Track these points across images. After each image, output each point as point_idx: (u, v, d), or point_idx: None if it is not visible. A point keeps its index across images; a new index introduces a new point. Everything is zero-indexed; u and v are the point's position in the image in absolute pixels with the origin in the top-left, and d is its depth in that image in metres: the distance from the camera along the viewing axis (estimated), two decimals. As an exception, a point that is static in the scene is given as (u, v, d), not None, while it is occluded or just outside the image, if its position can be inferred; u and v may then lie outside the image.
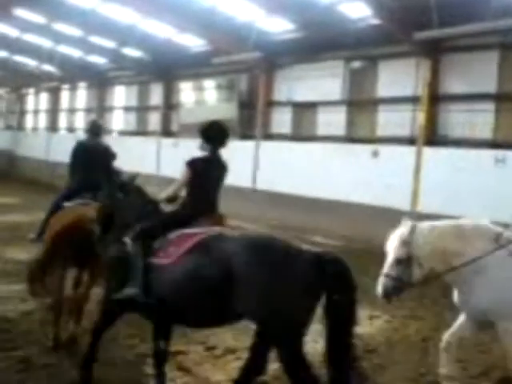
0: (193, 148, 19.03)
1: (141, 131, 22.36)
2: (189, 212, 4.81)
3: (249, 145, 16.74)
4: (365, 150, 13.73)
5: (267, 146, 16.36)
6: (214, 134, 5.23)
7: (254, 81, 17.19)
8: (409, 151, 12.80)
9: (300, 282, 3.96)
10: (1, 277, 8.44)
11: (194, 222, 4.67)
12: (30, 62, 25.90)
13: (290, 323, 4.04)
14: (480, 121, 12.14)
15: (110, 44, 19.63)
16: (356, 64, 14.72)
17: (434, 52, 12.70)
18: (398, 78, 13.57)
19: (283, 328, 4.03)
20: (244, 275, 3.91)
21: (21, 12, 18.04)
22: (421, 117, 12.77)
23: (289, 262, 4.00)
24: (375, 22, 12.54)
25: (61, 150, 25.43)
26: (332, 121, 15.04)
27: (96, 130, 6.76)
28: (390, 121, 13.70)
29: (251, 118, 16.96)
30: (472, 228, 4.94)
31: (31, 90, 32.19)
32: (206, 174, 5.04)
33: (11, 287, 7.90)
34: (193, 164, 4.97)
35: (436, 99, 12.82)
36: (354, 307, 4.21)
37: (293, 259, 4.03)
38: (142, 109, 22.82)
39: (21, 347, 5.59)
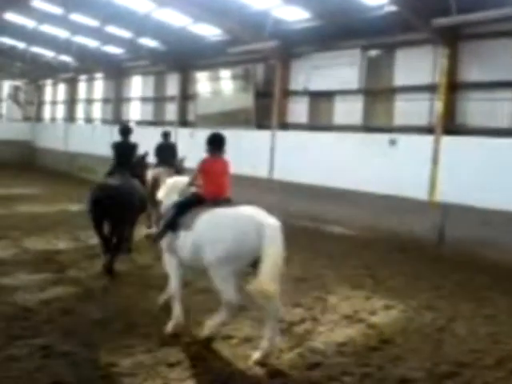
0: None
1: (158, 121, 22.43)
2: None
3: (265, 135, 16.72)
4: (382, 139, 13.64)
5: (284, 136, 16.32)
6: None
7: (270, 70, 17.14)
8: (427, 140, 12.69)
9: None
10: (20, 266, 8.55)
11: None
12: (48, 53, 26.04)
13: None
14: (499, 109, 11.99)
15: (126, 34, 19.65)
16: (373, 52, 14.60)
17: (453, 39, 12.53)
18: (416, 66, 13.43)
19: None
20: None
21: (38, 3, 18.14)
22: (439, 105, 12.65)
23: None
24: (392, 9, 12.40)
25: (79, 140, 25.68)
26: (349, 110, 14.96)
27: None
28: (408, 109, 13.59)
29: (267, 108, 16.92)
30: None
31: (49, 81, 32.39)
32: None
33: (31, 276, 8.03)
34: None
35: (454, 87, 12.67)
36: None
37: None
38: (158, 99, 22.87)
39: (40, 335, 5.70)
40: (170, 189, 6.92)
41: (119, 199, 8.03)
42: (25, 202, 16.15)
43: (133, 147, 9.40)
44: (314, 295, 7.83)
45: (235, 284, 5.62)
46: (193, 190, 6.66)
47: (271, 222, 5.61)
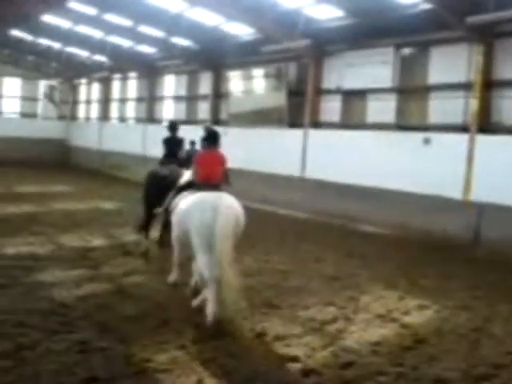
0: (241, 136, 19.35)
1: (190, 120, 22.57)
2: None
3: (297, 133, 16.69)
4: (416, 137, 13.49)
5: (316, 135, 16.27)
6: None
7: (302, 69, 17.10)
8: (461, 139, 12.52)
9: None
10: (57, 262, 8.70)
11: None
12: (82, 53, 26.44)
13: None
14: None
15: (158, 33, 19.82)
16: (407, 50, 14.45)
17: (488, 37, 12.33)
18: (450, 64, 13.26)
19: None
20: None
21: (74, 4, 18.44)
22: (474, 103, 12.46)
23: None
24: (427, 7, 12.26)
25: (112, 139, 26.01)
26: (382, 108, 14.84)
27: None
28: (442, 108, 13.42)
29: (300, 107, 16.88)
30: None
31: (83, 81, 32.85)
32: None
33: (66, 273, 8.15)
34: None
35: (489, 85, 12.47)
36: None
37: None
38: (191, 98, 23.02)
39: (77, 330, 5.78)
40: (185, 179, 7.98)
41: (168, 186, 8.57)
42: (60, 199, 16.43)
43: (180, 141, 10.53)
44: (347, 294, 7.79)
45: (206, 258, 6.22)
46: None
47: (226, 203, 6.46)
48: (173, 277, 7.56)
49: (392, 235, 13.08)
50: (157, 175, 9.46)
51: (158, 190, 8.77)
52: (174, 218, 7.03)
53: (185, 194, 7.20)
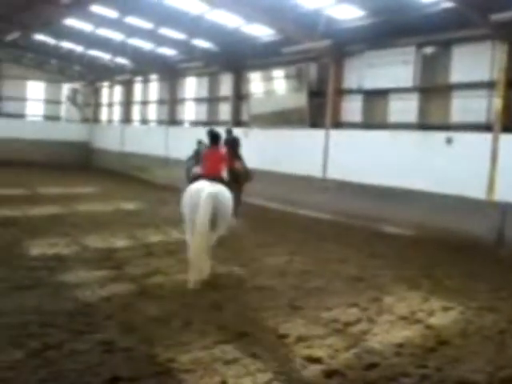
0: (262, 137, 19.34)
1: (212, 122, 22.64)
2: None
3: (319, 134, 16.66)
4: (438, 137, 13.38)
5: (337, 135, 16.23)
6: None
7: (323, 69, 17.06)
8: (485, 138, 12.38)
9: None
10: (80, 263, 8.79)
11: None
12: (104, 56, 26.68)
13: None
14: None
15: (179, 36, 19.92)
16: (428, 49, 14.34)
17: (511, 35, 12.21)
18: (473, 62, 13.13)
19: None
20: None
21: (95, 8, 18.63)
22: (497, 102, 12.32)
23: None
24: (448, 5, 12.16)
25: (134, 141, 26.20)
26: (404, 108, 14.74)
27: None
28: (465, 107, 13.30)
29: (321, 107, 16.84)
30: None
31: (106, 83, 33.15)
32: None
33: (90, 273, 8.23)
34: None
35: (513, 84, 12.34)
36: None
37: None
38: (212, 99, 23.10)
39: (101, 331, 5.83)
40: None
41: None
42: (83, 200, 16.60)
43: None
44: (370, 295, 7.75)
45: (190, 237, 8.08)
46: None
47: (209, 190, 7.92)
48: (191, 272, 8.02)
49: (415, 236, 13.00)
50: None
51: None
52: (184, 201, 8.33)
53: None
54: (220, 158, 9.08)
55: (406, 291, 8.11)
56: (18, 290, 7.12)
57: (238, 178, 13.06)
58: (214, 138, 9.24)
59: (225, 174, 9.08)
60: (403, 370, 5.24)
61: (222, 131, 10.62)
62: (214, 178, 8.51)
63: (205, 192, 7.86)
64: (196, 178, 9.02)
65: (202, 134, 19.09)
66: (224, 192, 8.24)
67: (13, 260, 8.78)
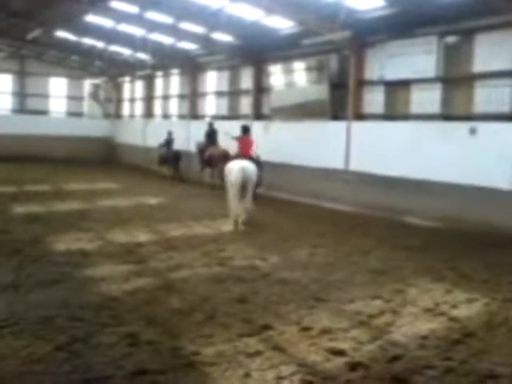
0: (283, 130, 19.50)
1: (233, 115, 22.67)
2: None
3: (340, 126, 16.57)
4: (461, 127, 13.22)
5: (359, 127, 16.13)
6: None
7: (344, 61, 16.95)
8: (509, 128, 12.22)
9: None
10: (104, 258, 8.89)
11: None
12: (125, 52, 26.82)
13: None
14: None
15: (199, 30, 19.93)
16: (451, 39, 14.16)
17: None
18: (497, 51, 12.92)
19: None
20: None
21: (116, 4, 18.73)
22: (522, 91, 12.15)
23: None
24: (471, -7, 12.00)
25: (156, 136, 26.31)
26: (426, 98, 14.57)
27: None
28: (489, 97, 13.10)
29: (342, 99, 16.74)
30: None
31: (127, 79, 33.35)
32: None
33: (114, 268, 8.33)
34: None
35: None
36: None
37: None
38: (233, 93, 23.11)
39: (126, 324, 5.91)
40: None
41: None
42: (106, 196, 16.76)
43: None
44: (394, 287, 7.71)
45: (237, 198, 11.81)
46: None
47: (241, 165, 11.93)
48: (231, 216, 12.12)
49: (438, 227, 12.89)
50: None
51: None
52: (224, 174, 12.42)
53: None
54: (250, 143, 14.13)
55: (430, 283, 8.06)
56: (44, 285, 7.24)
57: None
58: (245, 129, 14.23)
59: (254, 153, 14.24)
60: (427, 363, 5.21)
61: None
62: (245, 156, 13.10)
63: (238, 166, 11.89)
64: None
65: (223, 127, 19.23)
66: (250, 166, 12.15)
67: (39, 255, 8.91)
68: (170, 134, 23.77)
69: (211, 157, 19.42)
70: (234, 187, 11.69)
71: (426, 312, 6.72)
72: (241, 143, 13.91)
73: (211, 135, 20.62)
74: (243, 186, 11.67)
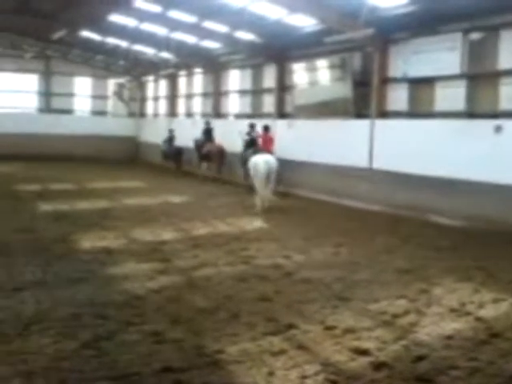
0: (307, 128, 19.49)
1: (256, 114, 22.68)
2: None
3: (364, 124, 16.47)
4: (487, 125, 13.05)
5: (383, 125, 16.01)
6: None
7: (367, 58, 16.84)
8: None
9: None
10: (129, 256, 8.97)
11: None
12: (149, 51, 26.96)
13: None
14: None
15: (222, 28, 19.96)
16: (475, 35, 13.98)
17: None
18: (524, 47, 12.75)
19: None
20: None
21: (139, 3, 18.84)
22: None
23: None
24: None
25: (180, 134, 26.46)
26: (451, 96, 14.41)
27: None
28: (515, 94, 12.94)
29: (366, 97, 16.64)
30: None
31: (151, 78, 33.54)
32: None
33: (138, 266, 8.40)
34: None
35: None
36: None
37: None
38: (256, 91, 23.11)
39: (150, 322, 5.96)
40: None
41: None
42: (130, 194, 16.90)
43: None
44: (419, 287, 7.65)
45: (259, 185, 13.93)
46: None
47: (264, 158, 14.20)
48: (256, 202, 14.07)
49: (464, 226, 12.74)
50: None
51: None
52: (249, 166, 14.59)
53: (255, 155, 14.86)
54: (270, 139, 16.95)
55: (456, 283, 7.98)
56: (70, 283, 7.34)
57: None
58: (265, 128, 17.46)
59: (273, 149, 16.65)
60: (453, 363, 5.17)
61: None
62: (266, 151, 15.38)
63: (263, 159, 14.08)
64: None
65: (245, 126, 19.27)
66: (272, 159, 14.44)
67: (64, 253, 9.03)
68: (171, 131, 26.54)
69: (209, 152, 22.03)
70: (260, 177, 13.83)
71: (452, 312, 6.66)
72: (262, 140, 16.46)
73: (208, 133, 22.96)
74: (267, 176, 13.80)
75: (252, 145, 18.44)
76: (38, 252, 9.01)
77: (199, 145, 22.94)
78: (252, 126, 19.19)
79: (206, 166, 22.83)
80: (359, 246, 10.41)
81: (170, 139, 26.36)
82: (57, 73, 32.59)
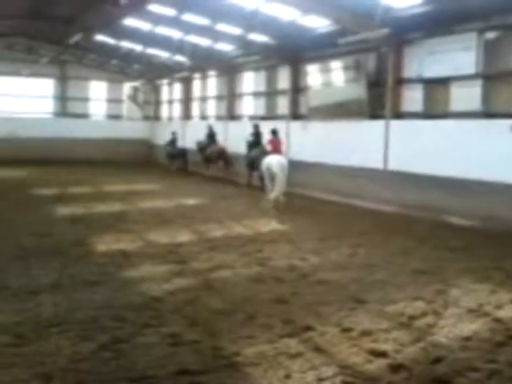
0: (321, 130, 19.47)
1: (270, 116, 22.69)
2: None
3: (379, 125, 16.41)
4: (503, 124, 12.94)
5: (398, 125, 15.95)
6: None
7: (382, 59, 16.79)
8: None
9: None
10: (145, 258, 9.00)
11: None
12: (163, 54, 27.09)
13: None
14: None
15: (236, 31, 20.00)
16: (490, 34, 13.88)
17: None
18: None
19: None
20: None
21: (153, 7, 18.94)
22: None
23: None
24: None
25: (194, 137, 26.54)
26: (466, 96, 14.32)
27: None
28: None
29: (380, 97, 16.58)
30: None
31: (165, 81, 33.69)
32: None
33: (155, 268, 8.43)
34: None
35: None
36: None
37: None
38: (270, 93, 23.12)
39: (167, 324, 5.98)
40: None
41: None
42: (146, 197, 16.97)
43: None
44: (435, 288, 7.60)
45: (270, 183, 14.75)
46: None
47: (277, 158, 14.86)
48: (271, 196, 14.67)
49: (480, 227, 12.64)
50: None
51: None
52: (262, 167, 15.29)
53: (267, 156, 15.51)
54: (280, 142, 16.73)
55: (473, 283, 7.92)
56: (87, 285, 7.39)
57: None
58: (273, 132, 16.85)
59: (283, 151, 16.68)
60: (471, 365, 5.13)
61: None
62: (277, 152, 15.78)
63: (275, 159, 14.82)
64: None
65: (261, 128, 19.28)
66: (283, 159, 15.13)
67: (81, 256, 9.09)
68: (174, 134, 28.24)
69: (212, 153, 24.01)
70: (272, 175, 14.69)
71: (469, 313, 6.61)
72: (272, 144, 16.39)
73: (211, 136, 24.95)
74: (280, 176, 14.55)
75: (255, 145, 19.67)
76: (55, 255, 9.07)
77: (202, 147, 25.00)
78: (256, 127, 20.29)
79: (215, 167, 24.28)
80: (375, 247, 10.36)
81: (173, 141, 28.02)
82: (72, 77, 32.87)
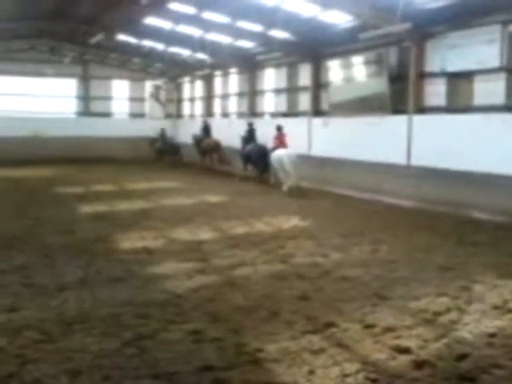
0: (343, 125, 19.34)
1: (292, 112, 22.66)
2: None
3: (401, 119, 16.29)
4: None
5: (421, 120, 15.81)
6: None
7: (404, 53, 16.65)
8: None
9: None
10: (168, 256, 9.06)
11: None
12: (184, 52, 27.22)
13: None
14: None
15: (256, 28, 20.00)
16: (515, 27, 13.68)
17: None
18: None
19: None
20: None
21: (174, 5, 19.03)
22: None
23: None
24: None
25: (216, 134, 26.59)
26: (490, 89, 14.13)
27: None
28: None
29: (403, 92, 16.46)
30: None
31: (186, 79, 33.82)
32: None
33: (178, 265, 8.48)
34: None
35: None
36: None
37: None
38: (291, 90, 23.08)
39: (190, 321, 6.02)
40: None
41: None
42: (168, 194, 17.05)
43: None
44: (459, 284, 7.53)
45: (282, 173, 17.15)
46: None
47: (287, 151, 17.06)
48: (284, 187, 16.75)
49: (505, 222, 12.47)
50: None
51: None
52: (273, 162, 17.44)
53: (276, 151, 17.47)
54: (285, 137, 18.20)
55: (498, 279, 7.82)
56: (111, 282, 7.47)
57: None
58: (278, 128, 18.52)
59: (288, 144, 18.00)
60: (496, 362, 5.08)
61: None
62: (283, 146, 17.61)
63: (285, 152, 16.84)
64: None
65: (283, 124, 19.26)
66: (292, 152, 16.94)
67: (105, 253, 9.18)
68: (162, 130, 30.12)
69: (207, 146, 25.76)
70: (284, 166, 16.66)
71: (494, 309, 6.54)
72: (278, 139, 18.21)
73: (206, 130, 26.85)
74: (290, 166, 16.43)
75: (249, 140, 21.52)
76: (79, 252, 9.17)
77: (198, 140, 26.85)
78: (250, 125, 22.16)
79: (210, 159, 26.20)
80: (398, 243, 10.30)
81: (162, 136, 29.82)
82: (95, 77, 33.18)
